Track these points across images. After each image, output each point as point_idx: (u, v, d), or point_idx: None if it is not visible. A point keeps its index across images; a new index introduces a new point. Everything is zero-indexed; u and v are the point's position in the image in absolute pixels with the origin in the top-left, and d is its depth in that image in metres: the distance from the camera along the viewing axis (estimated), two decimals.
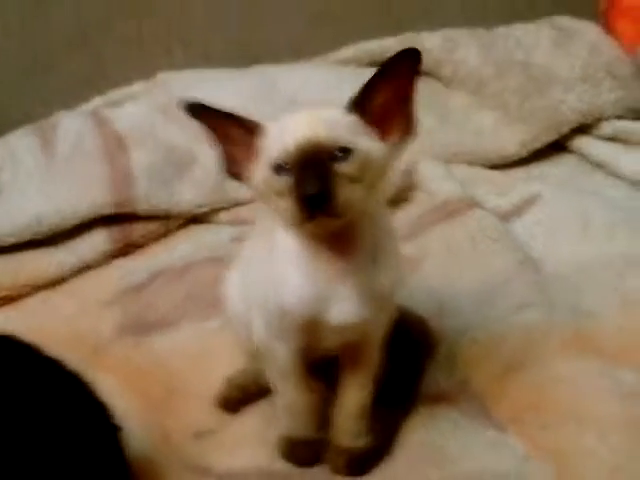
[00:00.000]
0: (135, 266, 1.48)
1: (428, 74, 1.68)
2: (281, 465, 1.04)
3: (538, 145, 1.62)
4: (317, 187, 0.86)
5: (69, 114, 1.70)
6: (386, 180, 0.95)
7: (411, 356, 1.15)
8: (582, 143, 1.63)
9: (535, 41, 1.70)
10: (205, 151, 1.58)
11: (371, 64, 1.69)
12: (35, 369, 0.90)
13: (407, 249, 1.36)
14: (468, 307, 1.24)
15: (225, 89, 1.65)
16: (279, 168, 0.89)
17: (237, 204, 1.58)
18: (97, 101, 1.80)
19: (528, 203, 1.47)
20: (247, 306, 1.03)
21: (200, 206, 1.56)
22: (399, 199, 1.50)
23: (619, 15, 1.78)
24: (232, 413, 1.13)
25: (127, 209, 1.52)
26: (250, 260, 1.03)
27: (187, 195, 1.55)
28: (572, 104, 1.62)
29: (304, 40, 1.81)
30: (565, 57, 1.68)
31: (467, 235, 1.37)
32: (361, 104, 0.90)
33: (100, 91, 1.80)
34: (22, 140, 1.62)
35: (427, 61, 1.68)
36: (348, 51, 1.76)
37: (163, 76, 1.74)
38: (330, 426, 1.04)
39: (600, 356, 1.11)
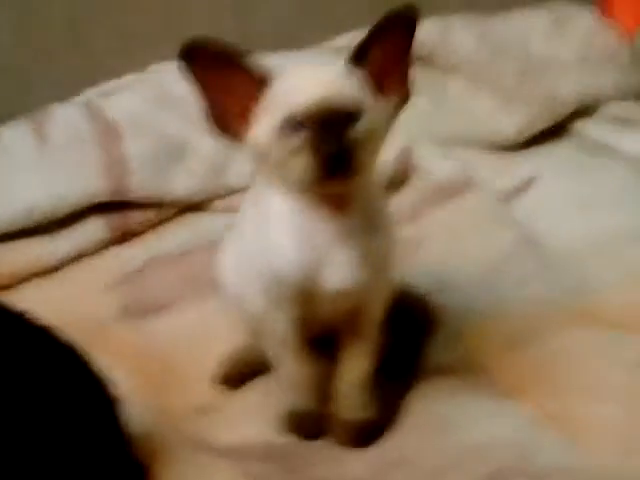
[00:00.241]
0: (132, 253, 1.47)
1: (423, 60, 1.67)
2: (284, 439, 1.02)
3: (536, 129, 1.61)
4: (338, 146, 0.84)
5: (62, 105, 1.68)
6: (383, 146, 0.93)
7: (413, 332, 1.14)
8: (582, 126, 1.63)
9: (531, 26, 1.70)
10: (200, 139, 1.58)
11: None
12: (25, 338, 0.88)
13: (407, 232, 1.35)
14: (470, 284, 1.23)
15: None
16: (293, 125, 0.85)
17: (232, 192, 1.56)
18: (90, 93, 1.78)
19: (528, 183, 1.47)
20: (242, 278, 1.02)
21: (195, 194, 1.55)
22: (397, 183, 1.49)
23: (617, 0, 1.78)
24: (233, 389, 1.11)
25: (122, 197, 1.50)
26: (242, 230, 1.02)
27: (182, 183, 1.54)
28: (570, 87, 1.61)
29: (296, 29, 1.80)
30: (562, 41, 1.68)
31: (466, 215, 1.36)
32: (360, 60, 0.89)
33: (91, 83, 1.78)
34: (14, 131, 1.61)
35: (422, 48, 1.68)
36: (343, 40, 1.75)
37: (154, 68, 1.73)
38: (333, 399, 1.03)
39: (606, 327, 1.10)
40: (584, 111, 1.64)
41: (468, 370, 1.08)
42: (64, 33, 1.78)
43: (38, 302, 1.34)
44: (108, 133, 1.57)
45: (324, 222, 0.91)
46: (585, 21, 1.71)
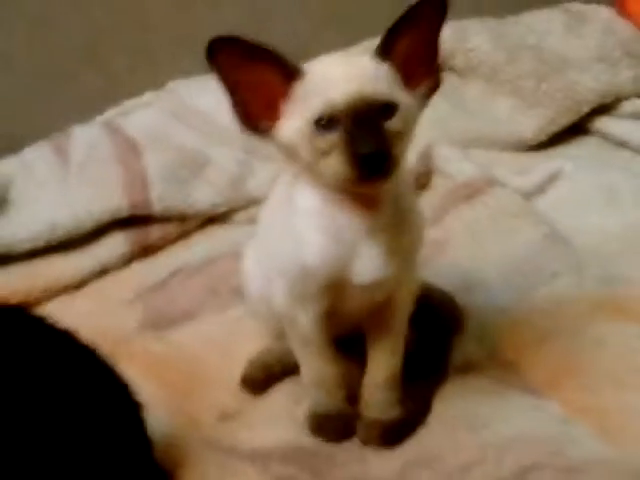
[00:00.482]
0: (154, 266, 1.46)
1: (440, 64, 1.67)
2: (309, 441, 1.01)
3: (556, 128, 1.60)
4: (375, 146, 0.82)
5: (82, 125, 1.70)
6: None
7: (440, 330, 1.12)
8: (602, 123, 1.61)
9: (547, 26, 1.70)
10: (218, 152, 1.59)
11: None
12: (50, 344, 0.88)
13: (432, 233, 1.34)
14: (495, 281, 1.21)
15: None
16: (325, 123, 0.83)
17: (253, 203, 1.56)
18: (110, 112, 1.80)
19: (551, 180, 1.45)
20: (266, 278, 1.00)
21: (216, 206, 1.54)
22: (419, 185, 1.48)
23: None
24: (257, 393, 1.10)
25: (143, 211, 1.50)
26: (268, 227, 1.00)
27: (202, 196, 1.54)
28: (589, 84, 1.60)
29: (311, 42, 1.80)
30: (579, 39, 1.67)
31: (488, 213, 1.34)
32: (387, 52, 0.86)
33: (112, 103, 1.79)
34: (36, 151, 1.63)
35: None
36: (355, 51, 1.75)
37: (172, 84, 1.74)
38: (360, 399, 1.01)
39: (634, 319, 1.07)
40: (604, 108, 1.61)
41: (497, 366, 1.06)
42: (83, 54, 1.81)
43: (64, 318, 1.35)
44: (128, 149, 1.59)
45: (354, 217, 0.89)
46: (601, 19, 1.70)
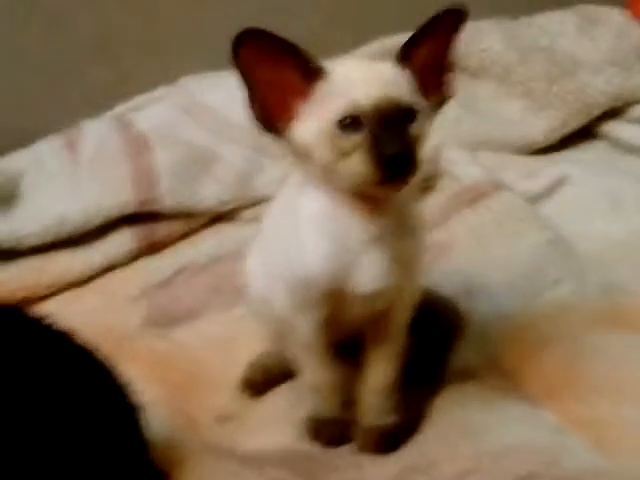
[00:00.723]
0: (161, 263, 1.47)
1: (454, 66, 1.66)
2: (306, 446, 1.01)
3: (567, 131, 1.59)
4: (400, 147, 0.82)
5: (94, 120, 1.71)
6: None
7: (440, 336, 1.12)
8: (612, 127, 1.60)
9: (560, 28, 1.68)
10: (227, 149, 1.59)
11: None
12: (47, 344, 0.88)
13: (437, 236, 1.34)
14: (498, 287, 1.21)
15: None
16: (348, 124, 0.83)
17: (260, 201, 1.56)
18: (121, 107, 1.80)
19: (557, 185, 1.45)
20: (268, 280, 1.00)
21: (224, 204, 1.55)
22: (426, 187, 1.47)
23: None
24: (256, 396, 1.11)
25: (151, 207, 1.51)
26: (272, 230, 1.00)
27: (210, 193, 1.54)
28: (600, 87, 1.58)
29: (323, 39, 1.79)
30: (591, 41, 1.65)
31: (493, 217, 1.34)
32: (405, 59, 0.87)
33: (123, 98, 1.80)
34: (47, 146, 1.64)
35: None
36: (370, 48, 1.75)
37: (184, 80, 1.75)
38: (357, 404, 1.01)
39: (634, 329, 1.07)
40: (614, 112, 1.60)
41: (495, 374, 1.06)
42: (95, 49, 1.81)
43: (71, 312, 1.36)
44: (137, 145, 1.59)
45: (357, 224, 0.89)
46: (614, 22, 1.69)
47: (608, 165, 1.51)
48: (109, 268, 1.47)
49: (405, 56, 0.87)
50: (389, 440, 0.99)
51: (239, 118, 1.57)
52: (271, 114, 0.85)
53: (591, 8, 1.74)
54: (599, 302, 1.13)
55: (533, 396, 1.02)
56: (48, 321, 0.90)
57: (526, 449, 0.93)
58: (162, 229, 1.52)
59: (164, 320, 1.32)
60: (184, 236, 1.54)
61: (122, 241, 1.50)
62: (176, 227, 1.53)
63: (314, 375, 1.00)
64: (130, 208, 1.50)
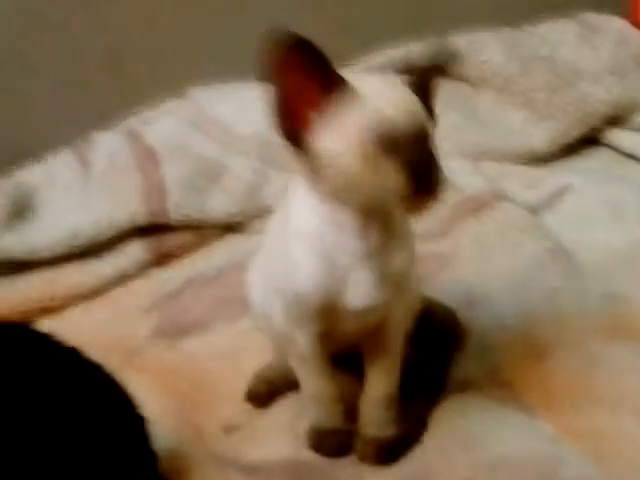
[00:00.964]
0: (171, 275, 1.50)
1: (453, 74, 1.68)
2: (309, 456, 1.03)
3: (568, 140, 1.60)
4: (437, 166, 0.85)
5: (104, 133, 1.74)
6: None
7: (440, 346, 1.14)
8: (614, 136, 1.61)
9: (560, 37, 1.70)
10: (235, 161, 1.62)
11: (396, 70, 1.70)
12: (55, 359, 0.91)
13: (438, 246, 1.36)
14: (498, 296, 1.22)
15: (254, 98, 1.67)
16: (383, 140, 0.83)
17: (270, 212, 1.58)
18: (131, 120, 1.84)
19: (559, 194, 1.46)
20: (266, 295, 1.03)
21: (233, 215, 1.58)
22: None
23: None
24: (261, 407, 1.13)
25: (161, 219, 1.54)
26: (268, 243, 1.03)
27: (219, 205, 1.57)
28: (601, 96, 1.60)
29: (328, 49, 1.82)
30: (591, 50, 1.67)
31: (495, 227, 1.36)
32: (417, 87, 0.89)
33: (133, 111, 1.83)
34: (59, 159, 1.68)
35: (453, 64, 1.69)
36: (374, 59, 1.78)
37: (192, 91, 1.78)
38: (358, 415, 1.04)
39: (635, 339, 1.09)
40: (615, 121, 1.62)
41: (495, 385, 1.07)
42: (105, 62, 1.85)
43: (81, 325, 1.41)
44: (147, 158, 1.62)
45: (349, 240, 0.91)
46: (614, 30, 1.70)
47: (610, 174, 1.53)
48: (120, 280, 1.50)
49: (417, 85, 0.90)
50: (389, 452, 1.01)
51: (247, 130, 1.64)
52: (296, 124, 0.85)
53: (592, 16, 1.75)
54: (599, 312, 1.15)
55: (532, 406, 1.03)
56: (55, 338, 0.93)
57: (524, 460, 0.95)
58: (172, 241, 1.55)
59: (173, 331, 1.34)
60: (194, 247, 1.57)
61: (133, 253, 1.53)
62: (186, 239, 1.56)
63: (314, 386, 1.02)
64: (141, 220, 1.53)
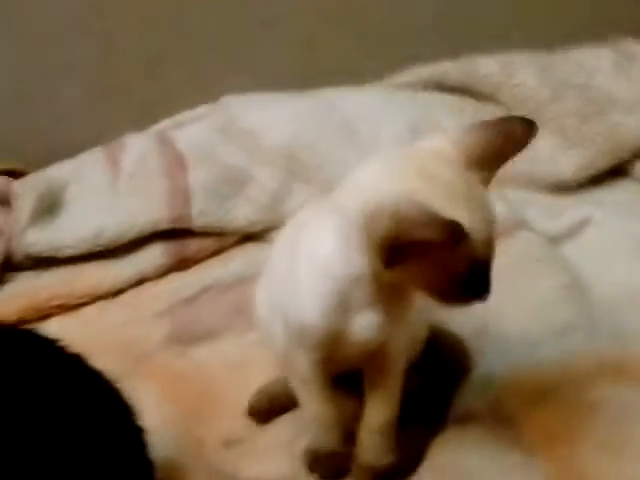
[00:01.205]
0: (188, 280, 1.52)
1: (486, 98, 1.67)
2: (304, 477, 1.04)
3: (595, 170, 1.57)
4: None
5: (136, 135, 1.76)
6: None
7: (445, 375, 1.14)
8: None
9: (596, 64, 1.67)
10: (261, 170, 1.63)
11: (425, 88, 1.70)
12: (55, 365, 0.93)
13: None
14: (509, 329, 1.21)
15: (284, 110, 1.70)
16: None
17: None
18: (164, 124, 1.86)
19: (580, 226, 1.44)
20: (270, 314, 1.04)
21: (254, 224, 1.58)
22: None
23: None
24: (262, 423, 1.14)
25: (183, 225, 1.56)
26: (275, 262, 1.03)
27: (241, 213, 1.58)
28: (632, 128, 1.57)
29: (361, 66, 1.83)
30: (627, 80, 1.63)
31: (513, 257, 1.34)
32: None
33: (167, 114, 1.86)
34: (90, 158, 1.70)
35: (486, 85, 1.68)
36: (404, 76, 1.77)
37: (225, 99, 1.79)
38: (355, 440, 1.04)
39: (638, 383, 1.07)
40: None
41: (495, 420, 1.06)
42: (142, 67, 1.88)
43: (96, 324, 1.43)
44: (175, 163, 1.64)
45: (366, 282, 0.90)
46: None
47: (635, 207, 1.50)
48: (139, 282, 1.52)
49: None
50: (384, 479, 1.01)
51: (275, 141, 1.65)
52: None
53: (629, 44, 1.72)
54: (606, 352, 1.13)
55: (532, 445, 1.02)
56: (59, 343, 0.95)
57: None
58: (193, 246, 1.57)
59: (186, 338, 1.36)
60: (214, 254, 1.58)
61: (154, 256, 1.55)
62: (207, 244, 1.57)
63: (314, 408, 1.02)
64: (163, 225, 1.55)
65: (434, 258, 0.82)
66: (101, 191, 1.63)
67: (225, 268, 1.54)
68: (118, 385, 0.97)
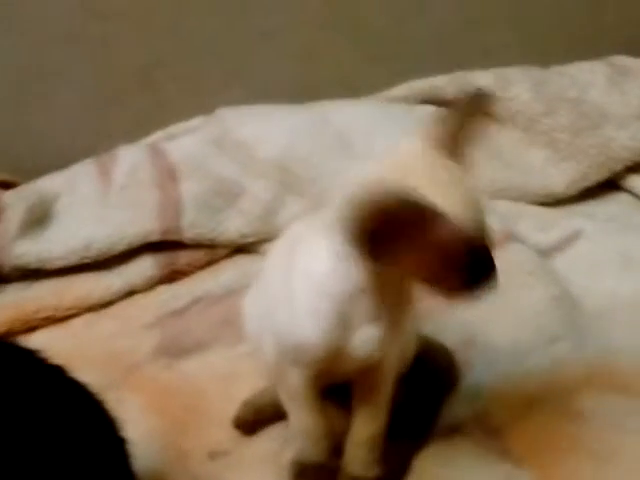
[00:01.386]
0: (178, 292, 1.51)
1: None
2: None
3: (588, 184, 1.58)
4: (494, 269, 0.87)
5: (128, 146, 1.76)
6: None
7: (432, 386, 1.13)
8: (635, 181, 1.59)
9: (590, 78, 1.67)
10: (254, 183, 1.63)
11: (420, 102, 1.70)
12: (37, 377, 0.91)
13: None
14: (498, 341, 1.21)
15: (278, 122, 1.70)
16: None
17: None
18: (157, 135, 1.85)
19: (571, 239, 1.44)
20: (260, 328, 1.02)
21: (245, 236, 1.58)
22: None
23: None
24: (248, 434, 1.13)
25: (174, 237, 1.55)
26: (266, 281, 1.02)
27: (233, 225, 1.57)
28: (625, 142, 1.57)
29: (358, 79, 1.83)
30: (620, 94, 1.64)
31: (503, 268, 1.32)
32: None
33: (162, 126, 1.85)
34: (82, 169, 1.70)
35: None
36: (400, 90, 1.78)
37: (219, 111, 1.79)
38: (342, 453, 1.03)
39: (627, 394, 1.07)
40: (637, 167, 1.59)
41: (483, 431, 1.06)
42: (138, 77, 1.87)
43: (84, 336, 1.42)
44: (167, 175, 1.63)
45: (365, 300, 0.89)
46: None
47: (627, 221, 1.50)
48: (128, 294, 1.51)
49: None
50: None
51: (268, 153, 1.65)
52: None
53: (624, 59, 1.73)
54: (596, 363, 1.13)
55: (518, 457, 1.01)
56: (40, 355, 0.93)
57: None
58: (184, 258, 1.56)
59: (174, 350, 1.34)
60: (205, 266, 1.57)
61: (143, 268, 1.54)
62: (197, 257, 1.57)
63: (302, 421, 1.01)
64: (154, 237, 1.54)
65: (422, 243, 0.80)
66: (92, 203, 1.62)
67: (215, 280, 1.53)
68: (101, 397, 0.96)
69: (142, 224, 1.55)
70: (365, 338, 0.92)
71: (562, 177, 1.58)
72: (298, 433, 1.03)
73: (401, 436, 1.04)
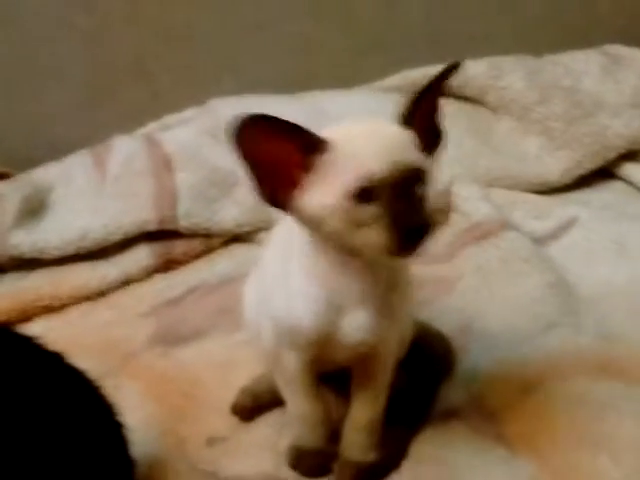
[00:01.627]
0: (174, 281, 1.51)
1: (474, 100, 1.68)
2: (287, 474, 1.03)
3: (582, 172, 1.59)
4: (420, 218, 0.81)
5: (123, 137, 1.76)
6: None
7: (429, 372, 1.13)
8: (629, 169, 1.59)
9: (584, 68, 1.68)
10: None
11: (414, 91, 1.70)
12: (36, 364, 0.91)
13: (442, 272, 1.36)
14: (494, 327, 1.22)
15: (272, 113, 1.69)
16: (363, 195, 0.81)
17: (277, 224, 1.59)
18: (151, 126, 1.85)
19: (566, 226, 1.45)
20: (259, 315, 1.03)
21: (241, 226, 1.58)
22: (437, 222, 1.49)
23: None
24: (246, 421, 1.13)
25: (170, 226, 1.55)
26: (265, 268, 1.02)
27: (228, 215, 1.58)
28: (618, 130, 1.58)
29: (351, 69, 1.83)
30: (614, 83, 1.64)
31: (499, 256, 1.34)
32: (410, 120, 0.86)
33: (155, 117, 1.85)
34: (77, 160, 1.70)
35: (472, 88, 1.68)
36: (393, 80, 1.78)
37: (213, 102, 1.79)
38: (340, 438, 1.03)
39: (622, 378, 1.07)
40: (631, 155, 1.59)
41: (479, 416, 1.06)
42: (130, 69, 1.87)
43: (81, 325, 1.42)
44: (162, 164, 1.63)
45: (350, 282, 0.90)
46: (639, 63, 1.67)
47: (621, 208, 1.51)
48: (125, 283, 1.52)
49: (409, 117, 0.86)
50: (367, 476, 1.00)
51: None
52: (277, 191, 0.84)
53: (617, 48, 1.73)
54: (591, 348, 1.14)
55: (513, 441, 1.02)
56: (38, 341, 0.94)
57: None
58: (179, 247, 1.56)
59: (171, 338, 1.35)
60: (200, 255, 1.57)
61: (139, 257, 1.54)
62: (193, 246, 1.57)
63: (299, 407, 1.02)
64: (150, 226, 1.54)
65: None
66: (87, 193, 1.62)
67: (211, 269, 1.53)
68: (99, 383, 0.96)
69: (138, 214, 1.55)
70: (355, 325, 0.92)
71: (557, 165, 1.59)
72: (295, 419, 1.04)
73: (398, 421, 1.05)
